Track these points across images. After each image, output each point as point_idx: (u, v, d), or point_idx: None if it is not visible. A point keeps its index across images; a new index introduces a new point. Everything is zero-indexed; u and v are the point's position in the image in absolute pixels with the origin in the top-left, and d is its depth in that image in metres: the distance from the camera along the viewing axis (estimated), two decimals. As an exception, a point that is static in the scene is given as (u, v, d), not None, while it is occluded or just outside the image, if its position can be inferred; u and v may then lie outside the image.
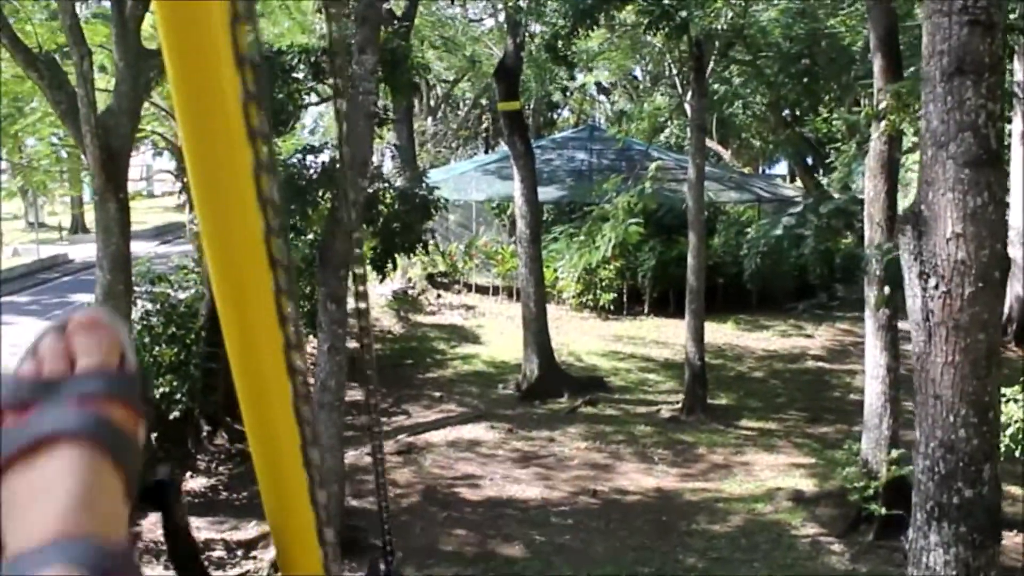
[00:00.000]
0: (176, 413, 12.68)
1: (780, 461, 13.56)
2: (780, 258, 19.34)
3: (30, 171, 21.79)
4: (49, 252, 33.56)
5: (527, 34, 17.39)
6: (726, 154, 30.53)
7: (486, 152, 40.07)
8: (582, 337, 20.03)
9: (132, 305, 12.09)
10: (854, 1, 16.44)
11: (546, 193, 21.17)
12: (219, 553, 10.42)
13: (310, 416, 0.71)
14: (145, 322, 12.60)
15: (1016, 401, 9.42)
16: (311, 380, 11.56)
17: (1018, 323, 18.47)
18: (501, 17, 23.34)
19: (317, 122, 38.00)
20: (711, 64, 16.65)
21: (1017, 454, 9.41)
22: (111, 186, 10.95)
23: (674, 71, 19.03)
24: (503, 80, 16.69)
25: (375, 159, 15.31)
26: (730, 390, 16.95)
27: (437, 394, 16.67)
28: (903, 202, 12.66)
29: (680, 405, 15.58)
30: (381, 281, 15.20)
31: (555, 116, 44.01)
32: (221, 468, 12.77)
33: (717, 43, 16.29)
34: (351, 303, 8.31)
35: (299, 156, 11.88)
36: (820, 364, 18.75)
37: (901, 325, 11.61)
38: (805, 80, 16.04)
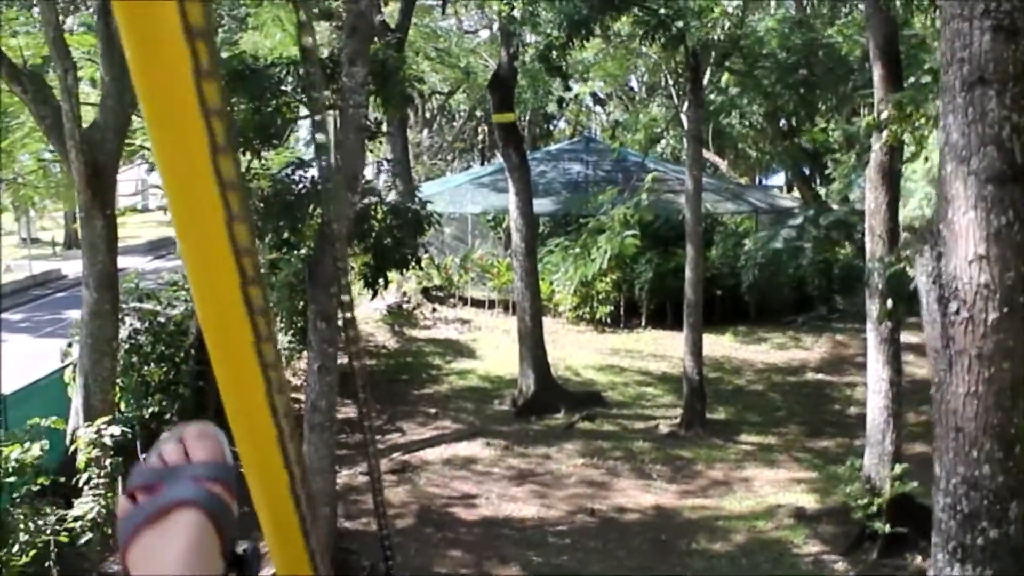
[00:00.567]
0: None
1: (780, 476, 13.35)
2: (778, 269, 19.18)
3: (18, 186, 21.53)
4: (42, 268, 33.22)
5: (522, 45, 17.22)
6: (723, 165, 30.36)
7: (482, 164, 39.94)
8: (579, 351, 19.81)
9: (120, 324, 11.87)
10: (851, 10, 16.32)
11: (542, 205, 21.00)
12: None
13: (285, 408, 0.73)
14: (133, 341, 12.34)
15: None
16: (302, 397, 11.35)
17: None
18: (495, 28, 23.23)
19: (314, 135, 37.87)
20: (707, 74, 16.49)
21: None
22: (97, 202, 10.75)
23: (670, 82, 18.88)
24: (498, 92, 16.53)
25: (368, 173, 15.10)
26: (729, 404, 16.73)
27: (432, 410, 16.43)
28: (903, 213, 12.48)
29: (678, 420, 15.37)
30: (372, 298, 14.97)
31: (551, 127, 43.86)
32: (212, 489, 12.50)
33: (713, 53, 16.14)
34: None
35: (288, 170, 11.66)
36: (819, 376, 18.53)
37: (903, 338, 11.45)
38: (802, 90, 15.87)
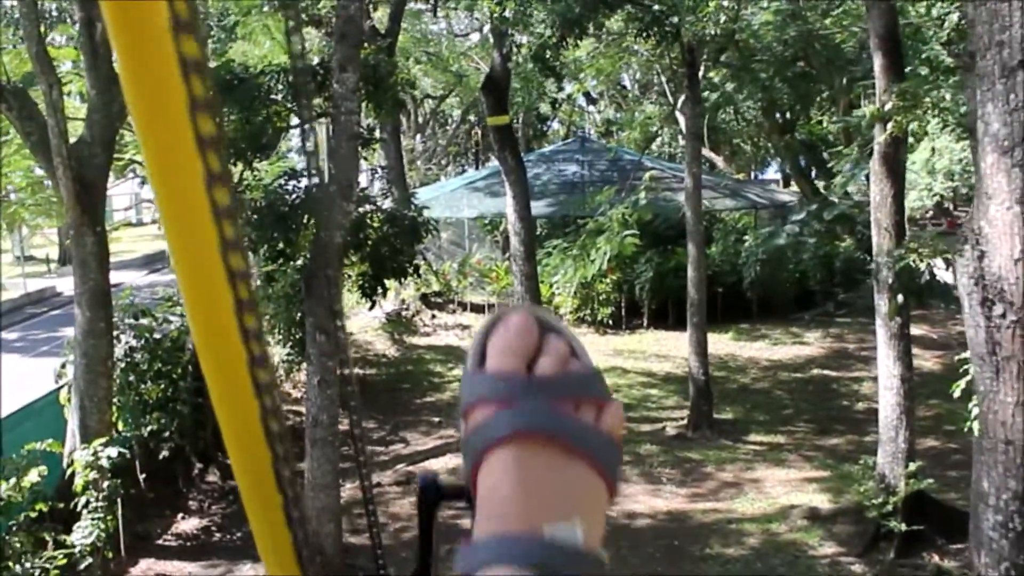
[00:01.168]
0: (165, 452, 12.23)
1: (792, 476, 13.13)
2: (779, 265, 18.98)
3: (9, 204, 21.28)
4: (37, 286, 32.91)
5: (514, 45, 17.02)
6: (719, 161, 30.19)
7: (476, 168, 39.73)
8: (581, 353, 19.58)
9: (115, 342, 11.64)
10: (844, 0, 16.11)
11: (539, 207, 20.81)
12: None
13: (279, 431, 0.69)
14: (129, 359, 12.10)
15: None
16: (303, 410, 11.13)
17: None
18: (487, 30, 23.03)
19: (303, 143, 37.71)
20: (702, 70, 16.28)
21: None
22: (87, 219, 10.52)
23: (664, 79, 18.67)
24: (491, 94, 16.30)
25: (363, 180, 14.88)
26: (735, 403, 16.52)
27: (435, 419, 16.19)
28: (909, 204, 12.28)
29: (685, 421, 15.15)
30: (371, 308, 14.75)
31: (545, 128, 43.66)
32: (214, 507, 12.29)
33: (707, 49, 15.94)
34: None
35: (281, 181, 11.44)
36: (825, 372, 18.33)
37: (913, 332, 11.25)
38: (799, 83, 15.67)
